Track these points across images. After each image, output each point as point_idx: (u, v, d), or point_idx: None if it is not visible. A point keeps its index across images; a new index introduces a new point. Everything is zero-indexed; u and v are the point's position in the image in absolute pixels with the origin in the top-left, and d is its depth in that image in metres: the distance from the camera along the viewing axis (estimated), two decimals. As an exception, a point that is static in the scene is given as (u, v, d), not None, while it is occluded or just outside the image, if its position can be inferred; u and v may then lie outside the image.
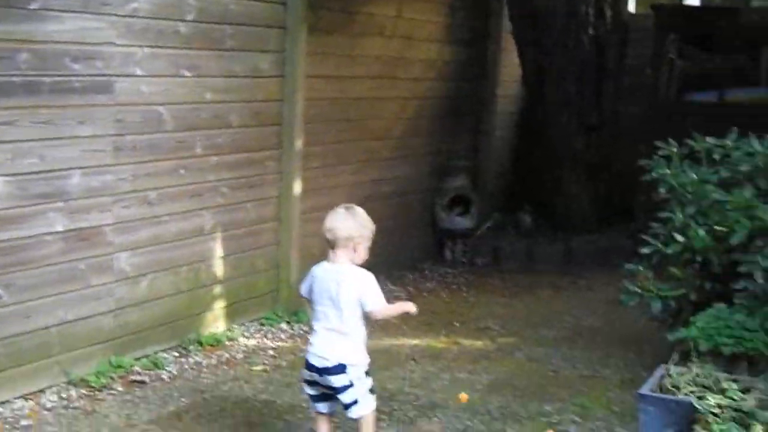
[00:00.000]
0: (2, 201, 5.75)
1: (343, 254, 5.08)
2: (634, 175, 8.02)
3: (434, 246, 10.70)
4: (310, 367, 5.09)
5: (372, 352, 6.65)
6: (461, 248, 10.70)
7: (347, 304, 5.05)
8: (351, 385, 5.06)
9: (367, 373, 5.17)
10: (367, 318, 5.12)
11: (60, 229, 6.10)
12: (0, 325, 5.80)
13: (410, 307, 5.33)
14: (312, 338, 5.17)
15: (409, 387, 6.53)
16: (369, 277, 5.11)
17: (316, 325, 5.17)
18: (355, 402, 5.09)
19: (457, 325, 8.19)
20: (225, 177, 7.44)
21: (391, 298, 8.76)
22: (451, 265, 10.49)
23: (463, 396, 6.24)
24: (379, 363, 6.86)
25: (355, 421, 5.18)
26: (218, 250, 7.47)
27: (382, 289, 8.72)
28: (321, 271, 5.16)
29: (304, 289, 5.31)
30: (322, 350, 5.06)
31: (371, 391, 5.16)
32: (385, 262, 9.56)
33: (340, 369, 5.04)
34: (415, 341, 7.65)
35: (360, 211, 5.15)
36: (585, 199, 11.12)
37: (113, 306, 6.56)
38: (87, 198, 6.27)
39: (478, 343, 7.58)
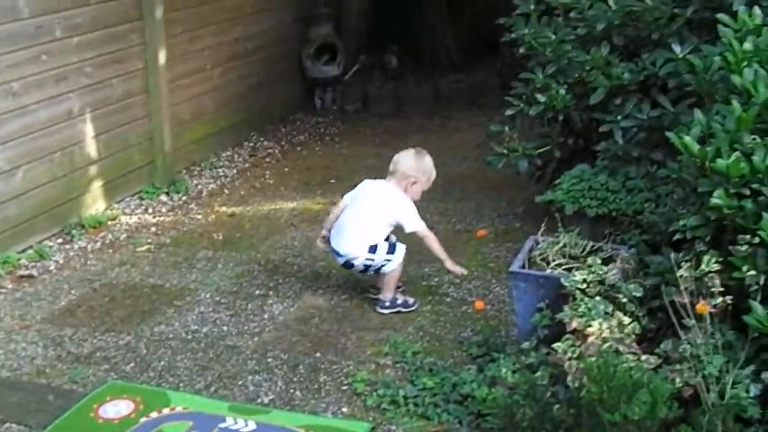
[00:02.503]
0: None
1: (397, 184, 5.73)
2: (498, 10, 8.03)
3: (304, 96, 10.78)
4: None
5: (252, 219, 7.07)
6: (331, 96, 10.81)
7: (372, 211, 5.74)
8: (369, 266, 5.76)
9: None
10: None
11: (-76, 136, 6.06)
12: None
13: (458, 270, 5.92)
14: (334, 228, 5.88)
15: (292, 257, 6.73)
16: (409, 203, 5.78)
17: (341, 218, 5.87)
18: (381, 267, 5.78)
19: (333, 182, 8.36)
20: (88, 56, 7.37)
21: (265, 155, 8.95)
22: (322, 114, 10.62)
23: (482, 232, 6.88)
24: (260, 232, 7.10)
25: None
26: (89, 131, 7.46)
27: (255, 143, 9.00)
28: (370, 182, 5.94)
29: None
30: (337, 244, 5.80)
31: (390, 250, 5.77)
32: (256, 117, 9.71)
33: (350, 264, 5.78)
34: (293, 204, 7.84)
35: (427, 158, 5.82)
36: (449, 37, 11.23)
37: (-9, 203, 6.58)
38: (-52, 100, 6.21)
39: (355, 202, 7.75)
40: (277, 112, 10.14)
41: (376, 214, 5.73)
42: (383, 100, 10.74)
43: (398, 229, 5.88)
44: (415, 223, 5.75)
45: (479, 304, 5.83)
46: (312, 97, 10.79)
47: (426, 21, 11.26)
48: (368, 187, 5.87)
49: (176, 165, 8.40)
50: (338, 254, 5.80)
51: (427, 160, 5.83)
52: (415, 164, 5.76)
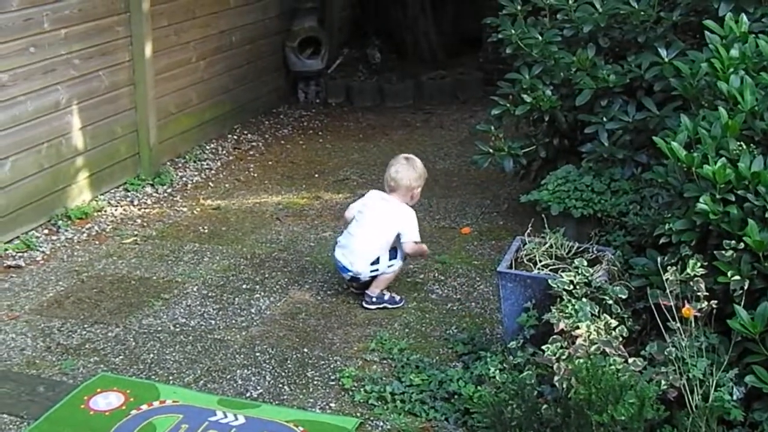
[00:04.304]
0: None
1: (401, 198, 5.90)
2: (479, 5, 7.99)
3: (288, 89, 10.81)
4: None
5: (237, 212, 7.17)
6: (314, 89, 10.84)
7: (380, 231, 5.83)
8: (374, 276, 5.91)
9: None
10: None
11: None
12: None
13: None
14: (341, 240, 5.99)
15: (278, 251, 6.78)
16: (413, 215, 5.89)
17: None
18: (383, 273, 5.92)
19: (317, 176, 8.42)
20: (76, 48, 7.40)
21: (249, 148, 9.00)
22: (306, 107, 10.65)
23: (466, 229, 7.06)
24: (246, 226, 7.16)
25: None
26: (76, 123, 7.48)
27: (239, 136, 9.07)
28: (376, 195, 5.97)
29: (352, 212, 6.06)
30: (349, 262, 5.87)
31: (392, 256, 5.91)
32: (241, 110, 9.77)
33: (356, 279, 5.95)
34: (277, 198, 7.88)
35: (418, 161, 5.97)
36: (432, 32, 11.29)
37: (-22, 194, 6.60)
38: (-62, 90, 6.23)
39: (339, 197, 7.81)
40: (261, 104, 10.20)
41: (384, 233, 5.82)
42: (366, 94, 10.79)
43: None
44: (413, 234, 5.86)
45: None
46: (295, 90, 10.82)
47: (409, 15, 11.32)
48: (375, 202, 5.94)
49: (161, 157, 8.43)
50: (346, 270, 5.89)
51: (420, 164, 5.96)
52: (414, 174, 5.88)
